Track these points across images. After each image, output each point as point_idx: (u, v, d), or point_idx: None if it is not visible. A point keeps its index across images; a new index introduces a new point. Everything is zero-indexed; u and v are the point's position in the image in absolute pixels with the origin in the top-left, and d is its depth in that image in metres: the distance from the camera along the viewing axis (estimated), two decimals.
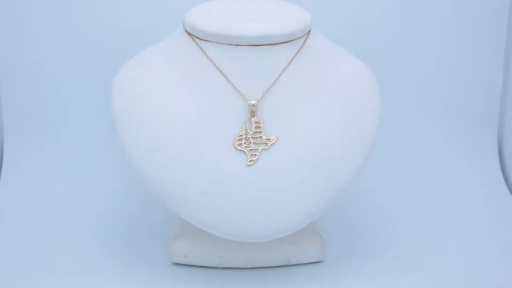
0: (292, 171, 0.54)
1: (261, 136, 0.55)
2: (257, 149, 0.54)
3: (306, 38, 0.60)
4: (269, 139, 0.55)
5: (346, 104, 0.58)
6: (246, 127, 0.55)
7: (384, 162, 0.83)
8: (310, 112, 0.57)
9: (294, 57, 0.58)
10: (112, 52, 0.78)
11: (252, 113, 0.55)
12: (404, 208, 0.76)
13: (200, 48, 0.58)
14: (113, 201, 0.77)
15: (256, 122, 0.55)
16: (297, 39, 0.59)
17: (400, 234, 0.71)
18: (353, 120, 0.58)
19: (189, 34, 0.59)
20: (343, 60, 0.62)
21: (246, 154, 0.55)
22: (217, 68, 0.56)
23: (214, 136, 0.55)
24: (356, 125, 0.58)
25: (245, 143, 0.54)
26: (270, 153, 0.55)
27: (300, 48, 0.59)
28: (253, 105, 0.55)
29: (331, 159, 0.55)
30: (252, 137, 0.55)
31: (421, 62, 0.83)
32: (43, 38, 0.80)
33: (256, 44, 0.56)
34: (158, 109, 0.56)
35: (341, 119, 0.57)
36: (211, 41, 0.57)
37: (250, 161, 0.54)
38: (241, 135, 0.55)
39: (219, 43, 0.57)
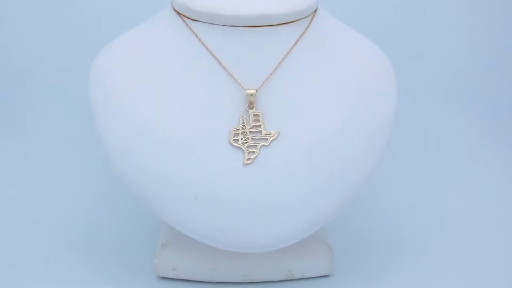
0: (296, 171, 0.51)
1: (260, 131, 0.52)
2: (255, 145, 0.51)
3: (312, 18, 0.57)
4: (270, 134, 0.52)
5: (359, 95, 0.55)
6: (243, 120, 0.52)
7: (400, 161, 0.79)
8: (317, 104, 0.54)
9: (298, 40, 0.55)
10: (88, 35, 0.74)
11: (250, 104, 0.52)
12: (423, 213, 0.72)
13: (191, 29, 0.54)
14: (91, 207, 0.73)
15: (254, 115, 0.52)
16: (302, 19, 0.56)
17: (418, 243, 0.67)
18: (366, 113, 0.55)
19: (178, 13, 0.56)
20: (356, 44, 0.59)
21: (243, 151, 0.51)
22: (210, 52, 0.53)
23: (206, 131, 0.52)
24: (370, 118, 0.55)
25: (242, 138, 0.51)
26: (271, 150, 0.52)
27: (305, 29, 0.56)
28: (251, 95, 0.52)
29: (341, 158, 0.53)
30: (250, 131, 0.52)
31: (445, 46, 0.79)
32: (6, 20, 0.74)
33: (254, 25, 0.53)
34: (142, 100, 0.53)
35: (353, 111, 0.54)
36: (203, 22, 0.54)
37: (248, 159, 0.51)
38: (238, 130, 0.52)
39: (212, 23, 0.54)
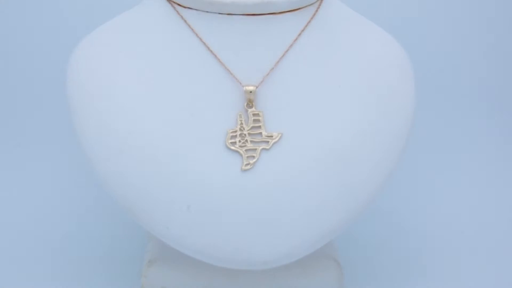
0: (301, 179, 0.50)
1: (260, 133, 0.50)
2: (255, 149, 0.50)
3: (319, 5, 0.55)
4: (271, 136, 0.51)
5: (373, 93, 0.54)
6: (241, 120, 0.51)
7: (415, 167, 0.79)
8: (325, 102, 0.52)
9: (303, 29, 0.53)
10: (65, 26, 0.74)
11: (249, 103, 0.51)
12: (439, 226, 0.72)
13: (182, 18, 0.53)
14: (71, 217, 0.72)
15: (254, 114, 0.51)
16: (308, 6, 0.54)
17: (436, 259, 0.66)
18: (381, 113, 0.53)
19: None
20: (369, 35, 0.58)
21: (241, 155, 0.50)
22: (204, 44, 0.52)
23: (198, 133, 0.50)
24: (385, 119, 0.54)
25: (240, 141, 0.50)
26: (273, 154, 0.50)
27: (312, 18, 0.54)
28: (250, 92, 0.51)
29: (353, 164, 0.51)
30: (249, 133, 0.50)
31: (467, 39, 0.79)
32: None
33: (254, 13, 0.52)
34: (126, 99, 0.52)
35: (367, 111, 0.53)
36: (196, 9, 0.52)
37: (247, 164, 0.50)
38: (235, 131, 0.50)
39: (207, 11, 0.52)
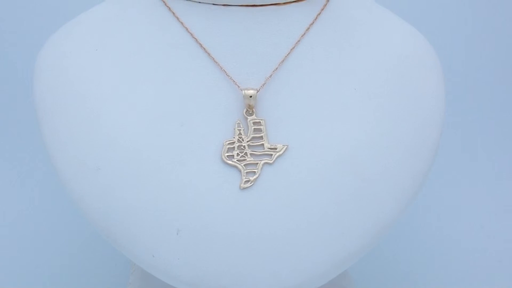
0: (310, 198, 0.48)
1: (262, 144, 0.48)
2: (256, 163, 0.48)
3: None
4: (275, 148, 0.48)
5: (395, 95, 0.52)
6: (239, 130, 0.49)
7: (441, 179, 0.79)
8: (338, 108, 0.51)
9: (312, 23, 0.52)
10: (34, 19, 0.75)
11: (249, 109, 0.49)
12: (466, 242, 0.72)
13: (170, 10, 0.51)
14: (43, 240, 0.72)
15: (255, 123, 0.49)
16: None
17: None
18: (405, 118, 0.52)
19: None
20: (390, 28, 0.56)
21: (239, 171, 0.48)
22: (195, 40, 0.51)
23: (190, 144, 0.48)
24: (409, 128, 0.52)
25: (238, 154, 0.48)
26: (277, 169, 0.48)
27: (322, 9, 0.53)
28: (250, 97, 0.49)
29: (370, 180, 0.49)
30: (249, 145, 0.48)
31: (499, 35, 0.83)
32: None
33: (254, 4, 0.50)
34: (104, 104, 0.50)
35: (387, 119, 0.51)
36: (186, 0, 0.51)
37: (246, 181, 0.48)
38: (233, 142, 0.48)
39: (199, 2, 0.51)
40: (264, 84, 0.50)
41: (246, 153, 0.49)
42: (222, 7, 0.50)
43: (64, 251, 0.71)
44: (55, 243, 0.73)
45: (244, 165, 0.48)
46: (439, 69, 0.56)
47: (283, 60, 0.50)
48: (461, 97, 0.84)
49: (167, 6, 0.52)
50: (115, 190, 0.48)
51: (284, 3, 0.51)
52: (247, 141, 0.49)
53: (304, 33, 0.52)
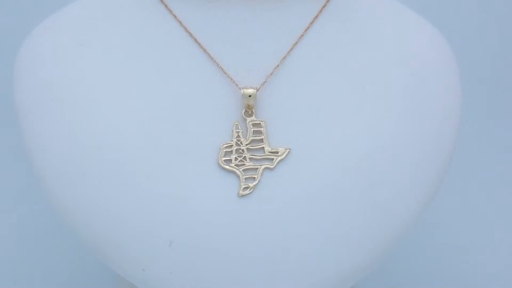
0: (315, 207, 0.46)
1: (263, 148, 0.47)
2: (256, 168, 0.47)
3: None
4: (276, 152, 0.47)
5: (407, 96, 0.51)
6: (238, 132, 0.48)
7: (456, 185, 0.77)
8: (344, 109, 0.49)
9: (316, 16, 0.51)
10: (15, 11, 0.75)
11: (248, 110, 0.48)
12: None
13: (163, 2, 0.50)
14: (25, 254, 0.69)
15: (254, 125, 0.48)
16: None
17: None
18: (418, 123, 0.50)
19: None
20: (402, 22, 0.55)
21: (238, 176, 0.47)
22: (190, 35, 0.49)
23: (184, 148, 0.47)
24: (422, 129, 0.50)
25: (236, 158, 0.47)
26: (278, 175, 0.47)
27: (328, 1, 0.52)
28: (249, 96, 0.48)
29: (380, 186, 0.48)
30: (248, 148, 0.47)
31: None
32: None
33: None
34: (91, 104, 0.49)
35: (398, 119, 0.50)
36: None
37: (245, 188, 0.46)
38: (230, 146, 0.47)
39: None
40: (264, 82, 0.49)
41: (245, 157, 0.47)
42: (220, 0, 0.49)
43: (50, 261, 0.70)
44: (40, 251, 0.71)
45: (243, 170, 0.47)
46: (455, 66, 0.55)
47: (285, 57, 0.49)
48: (476, 95, 0.85)
49: (161, 0, 0.51)
50: (101, 197, 0.46)
51: None
52: (246, 144, 0.47)
53: (308, 28, 0.50)
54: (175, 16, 0.50)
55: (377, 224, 0.47)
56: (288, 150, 0.47)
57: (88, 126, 0.48)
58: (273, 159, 0.47)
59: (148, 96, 0.48)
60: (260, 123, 0.48)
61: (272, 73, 0.49)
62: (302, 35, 0.50)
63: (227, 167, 0.46)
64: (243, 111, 0.48)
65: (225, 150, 0.47)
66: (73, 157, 0.47)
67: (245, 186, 0.46)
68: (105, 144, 0.47)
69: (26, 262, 0.70)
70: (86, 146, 0.47)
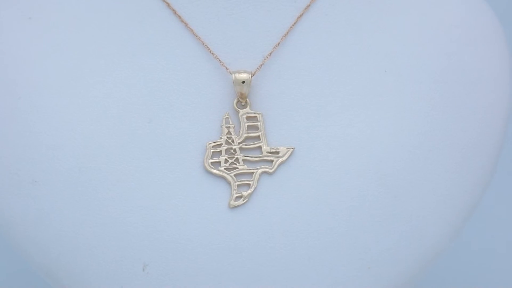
0: (322, 221, 0.42)
1: (259, 147, 0.42)
2: (251, 172, 0.42)
3: None
4: (277, 152, 0.43)
5: (440, 83, 0.45)
6: (228, 128, 0.43)
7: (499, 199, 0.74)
8: (360, 98, 0.44)
9: None
10: None
11: (242, 100, 0.43)
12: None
13: None
14: None
15: (249, 118, 0.43)
16: None
17: None
18: (454, 117, 0.44)
19: None
20: None
21: (229, 183, 0.42)
22: (174, 12, 0.44)
23: (162, 148, 0.42)
24: (461, 127, 0.45)
25: (227, 161, 0.43)
26: (279, 181, 0.42)
27: None
28: (242, 82, 0.43)
29: (403, 194, 0.42)
30: (241, 148, 0.43)
31: None
32: None
33: None
34: (45, 95, 0.43)
35: (429, 112, 0.44)
36: None
37: (238, 197, 0.42)
38: (219, 145, 0.43)
39: None
40: (261, 65, 0.43)
41: (237, 159, 0.42)
42: None
43: None
44: None
45: (235, 175, 0.42)
46: (504, 45, 0.48)
47: (287, 33, 0.44)
48: None
49: None
50: (56, 211, 0.41)
51: None
52: (239, 143, 0.42)
53: (310, 3, 0.45)
54: None
55: (404, 241, 0.42)
56: (291, 149, 0.42)
57: (39, 120, 0.42)
58: (272, 161, 0.42)
59: (116, 84, 0.43)
60: (256, 117, 0.43)
61: (270, 54, 0.43)
62: (308, 5, 0.44)
63: (215, 171, 0.42)
64: (235, 102, 0.43)
65: (212, 150, 0.42)
66: (21, 162, 0.42)
67: (237, 195, 0.41)
68: (62, 143, 0.42)
69: None
70: (37, 146, 0.42)
